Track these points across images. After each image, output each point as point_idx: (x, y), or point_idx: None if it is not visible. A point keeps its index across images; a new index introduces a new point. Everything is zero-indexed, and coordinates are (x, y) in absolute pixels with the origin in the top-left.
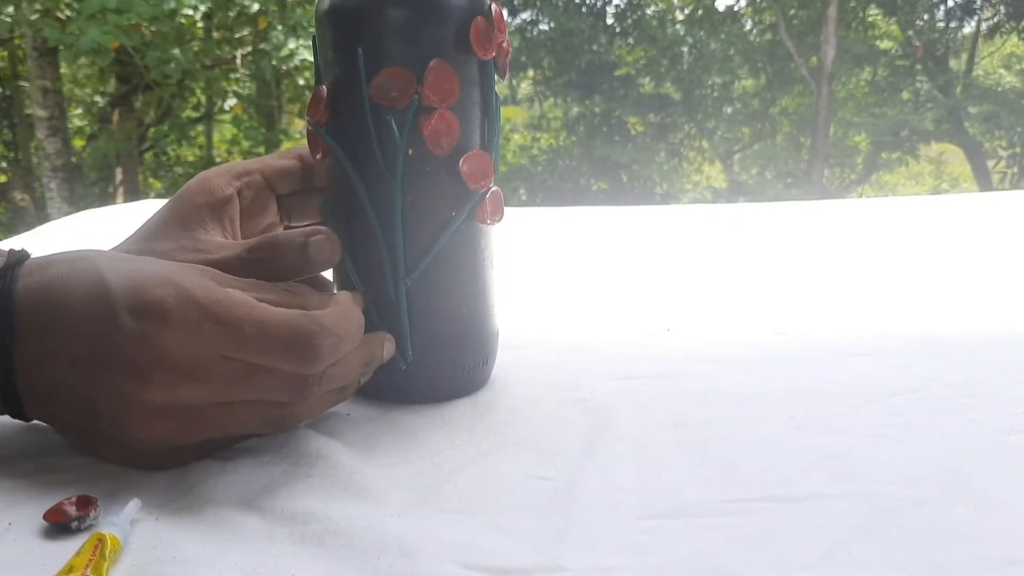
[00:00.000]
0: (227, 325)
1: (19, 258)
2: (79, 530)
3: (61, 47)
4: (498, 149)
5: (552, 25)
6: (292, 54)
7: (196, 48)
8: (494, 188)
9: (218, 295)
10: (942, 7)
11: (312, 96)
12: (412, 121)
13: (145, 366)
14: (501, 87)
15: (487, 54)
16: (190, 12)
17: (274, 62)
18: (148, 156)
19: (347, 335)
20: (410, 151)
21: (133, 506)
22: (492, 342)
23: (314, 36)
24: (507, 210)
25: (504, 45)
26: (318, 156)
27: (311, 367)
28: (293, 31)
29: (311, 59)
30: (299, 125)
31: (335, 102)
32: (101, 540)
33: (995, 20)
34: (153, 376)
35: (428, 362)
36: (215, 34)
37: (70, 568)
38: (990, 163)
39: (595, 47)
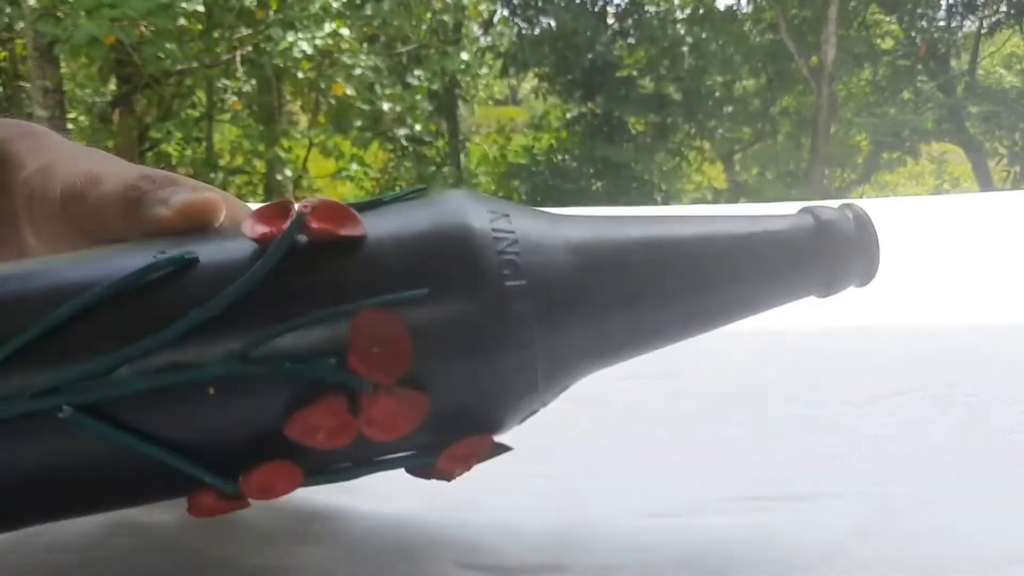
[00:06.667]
0: None
1: None
2: None
3: (58, 42)
4: None
5: (553, 25)
6: (291, 47)
7: (196, 49)
8: None
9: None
10: (943, 5)
11: None
12: None
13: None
14: (502, 86)
15: None
16: (185, 5)
17: (275, 60)
18: (149, 156)
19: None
20: None
21: None
22: None
23: None
24: None
25: None
26: None
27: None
28: (291, 25)
29: (311, 52)
30: (302, 123)
31: None
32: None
33: (996, 18)
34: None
35: None
36: (215, 33)
37: None
38: (991, 163)
39: (597, 47)
